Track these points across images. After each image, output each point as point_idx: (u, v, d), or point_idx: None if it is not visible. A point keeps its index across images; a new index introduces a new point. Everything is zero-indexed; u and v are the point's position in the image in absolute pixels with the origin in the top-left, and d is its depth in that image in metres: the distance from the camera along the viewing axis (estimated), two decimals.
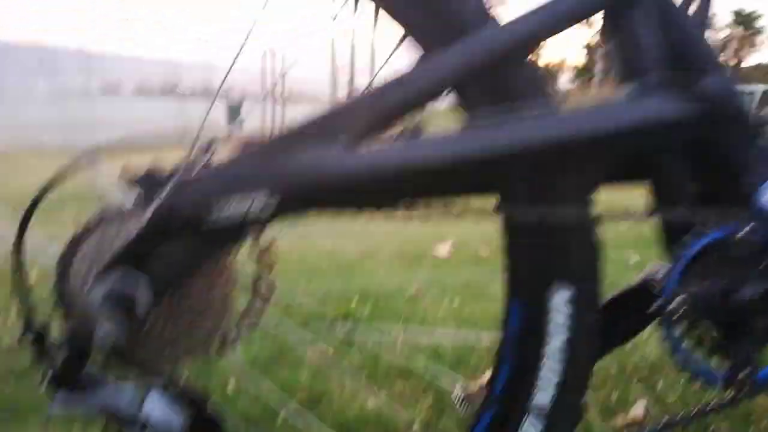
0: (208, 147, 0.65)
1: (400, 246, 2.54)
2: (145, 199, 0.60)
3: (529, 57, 0.61)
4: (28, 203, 0.54)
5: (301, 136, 0.53)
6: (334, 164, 0.51)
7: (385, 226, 2.86)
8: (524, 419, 0.66)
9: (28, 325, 0.53)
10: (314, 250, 2.50)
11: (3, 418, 1.24)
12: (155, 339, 0.58)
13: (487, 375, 0.93)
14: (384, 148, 0.53)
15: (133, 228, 0.55)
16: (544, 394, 0.65)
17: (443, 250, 2.44)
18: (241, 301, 0.64)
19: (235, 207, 0.51)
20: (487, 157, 0.55)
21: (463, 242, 2.58)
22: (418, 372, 1.40)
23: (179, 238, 0.52)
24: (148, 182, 0.63)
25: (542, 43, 0.59)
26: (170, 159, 0.68)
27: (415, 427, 1.18)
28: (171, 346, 0.59)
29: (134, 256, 0.52)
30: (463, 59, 0.57)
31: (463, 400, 0.89)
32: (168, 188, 0.50)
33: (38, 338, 0.53)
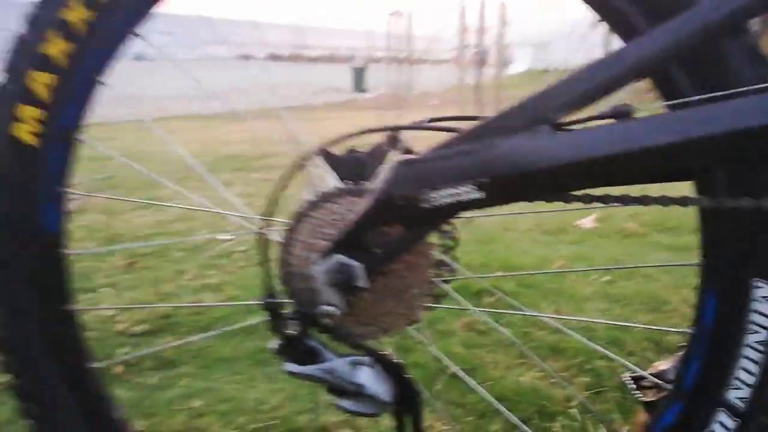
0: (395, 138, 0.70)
1: (540, 217, 2.50)
2: (349, 179, 0.66)
3: (743, 31, 0.58)
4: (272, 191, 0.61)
5: (508, 121, 0.55)
6: (539, 149, 0.53)
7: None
8: (714, 416, 0.65)
9: (268, 297, 0.62)
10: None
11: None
12: (364, 315, 0.65)
13: (661, 363, 0.92)
14: (591, 132, 0.53)
15: (352, 212, 0.61)
16: (739, 391, 0.63)
17: (587, 222, 2.36)
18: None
19: (446, 193, 0.54)
20: (696, 142, 0.53)
21: (607, 215, 2.48)
22: (570, 350, 1.40)
23: (394, 222, 0.57)
24: (351, 162, 0.69)
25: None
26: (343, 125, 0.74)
27: (573, 405, 1.18)
28: (377, 322, 0.65)
29: (354, 238, 0.58)
30: (673, 38, 0.54)
31: (636, 385, 0.88)
32: (386, 176, 0.55)
33: (273, 310, 0.62)
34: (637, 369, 0.88)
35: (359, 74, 16.24)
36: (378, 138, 0.71)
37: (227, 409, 1.23)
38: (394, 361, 0.65)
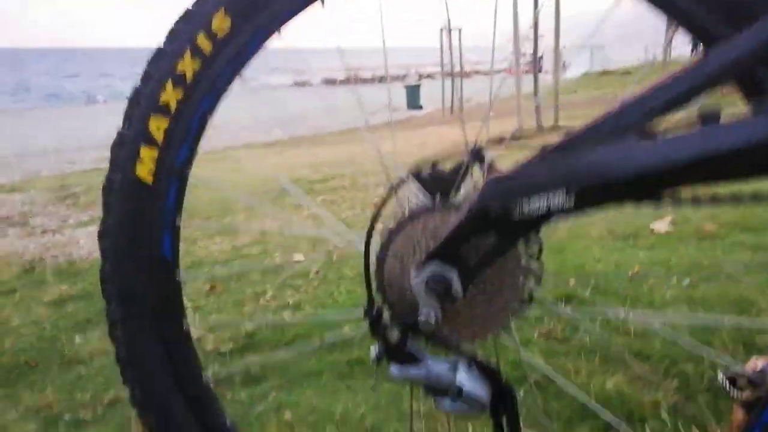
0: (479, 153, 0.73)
1: (612, 223, 2.46)
2: (436, 194, 0.70)
3: None
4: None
5: (596, 132, 0.58)
6: (627, 157, 0.55)
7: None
8: None
9: (369, 306, 0.67)
10: None
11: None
12: (458, 320, 0.68)
13: (759, 361, 0.90)
14: (676, 138, 0.55)
15: (446, 223, 0.65)
16: None
17: (662, 225, 2.30)
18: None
19: (537, 203, 0.57)
20: None
21: (683, 217, 2.41)
22: (655, 355, 1.37)
23: (488, 233, 0.61)
24: (437, 179, 0.73)
25: None
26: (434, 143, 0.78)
27: (663, 409, 1.17)
28: (470, 327, 0.69)
29: (449, 248, 0.62)
30: (758, 40, 0.56)
31: (729, 384, 0.87)
32: (481, 191, 0.59)
33: (376, 317, 0.66)
34: (730, 366, 0.87)
35: (413, 91, 16.42)
36: (461, 154, 0.76)
37: (316, 420, 1.28)
38: (490, 364, 0.68)
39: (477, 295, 0.68)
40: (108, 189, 0.78)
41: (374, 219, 0.66)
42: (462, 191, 0.73)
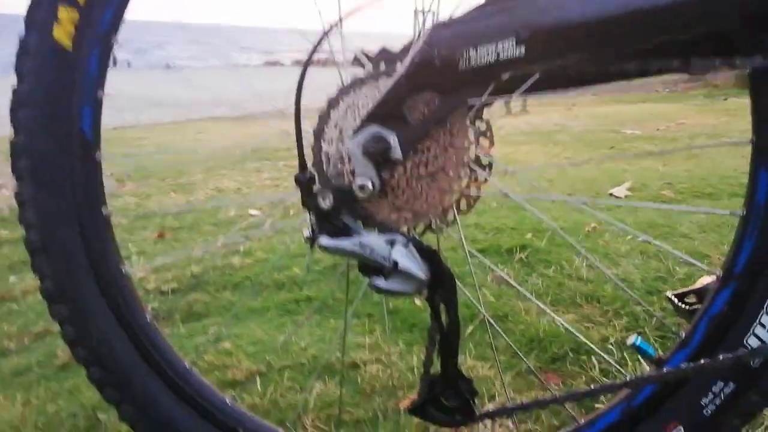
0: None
1: (571, 188, 2.45)
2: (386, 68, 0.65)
3: None
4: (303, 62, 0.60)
5: None
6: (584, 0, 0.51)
7: (551, 169, 2.77)
8: None
9: (301, 171, 0.60)
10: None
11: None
12: (398, 199, 0.63)
13: (706, 278, 0.88)
14: None
15: (384, 87, 0.59)
16: None
17: (620, 190, 2.30)
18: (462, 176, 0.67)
19: (485, 51, 0.52)
20: None
21: (641, 184, 2.42)
22: (606, 298, 1.36)
23: (431, 88, 0.55)
24: (385, 55, 0.68)
25: None
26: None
27: (611, 341, 1.15)
28: (410, 206, 0.63)
29: (389, 107, 0.57)
30: None
31: (678, 300, 0.84)
32: (425, 37, 0.53)
33: (307, 182, 0.60)
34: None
35: None
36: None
37: (256, 350, 1.23)
38: (429, 245, 0.63)
39: (419, 169, 0.63)
40: (22, 54, 0.70)
41: (303, 74, 0.59)
42: None
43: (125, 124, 7.09)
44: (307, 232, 0.64)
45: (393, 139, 0.58)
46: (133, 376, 0.74)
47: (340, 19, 0.62)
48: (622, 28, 0.51)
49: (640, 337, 0.66)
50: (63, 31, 0.69)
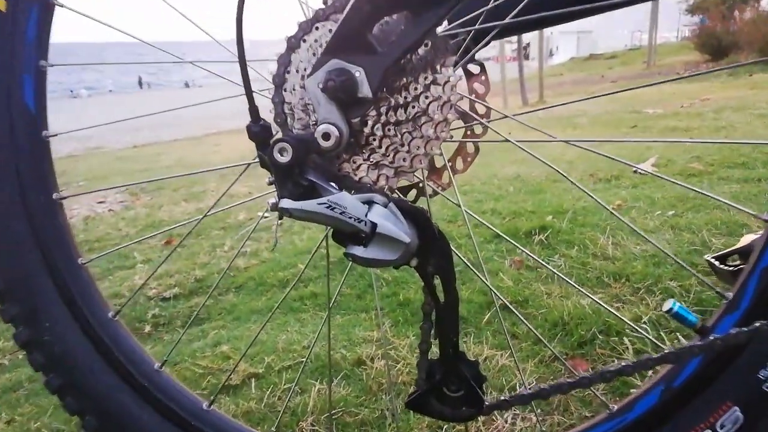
0: None
1: (593, 167, 2.31)
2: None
3: None
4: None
5: None
6: None
7: (571, 150, 2.62)
8: None
9: (254, 120, 0.51)
10: (498, 176, 2.37)
11: None
12: (375, 150, 0.53)
13: (749, 236, 0.76)
14: None
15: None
16: None
17: (646, 166, 2.16)
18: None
19: None
20: None
21: (668, 159, 2.27)
22: (636, 275, 1.23)
23: (398, 7, 0.45)
24: None
25: None
26: None
27: (644, 320, 1.03)
28: (390, 162, 0.53)
29: (349, 39, 0.46)
30: None
31: (719, 262, 0.73)
32: None
33: (261, 133, 0.50)
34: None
35: None
36: None
37: (256, 351, 1.13)
38: (414, 205, 0.53)
39: (395, 114, 0.52)
40: None
41: (239, 15, 0.49)
42: None
43: (145, 142, 7.16)
44: (272, 199, 0.54)
45: (359, 73, 0.48)
46: (93, 380, 0.65)
47: None
48: None
49: (677, 303, 0.55)
50: None
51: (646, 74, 9.69)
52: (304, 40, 0.54)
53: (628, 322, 0.68)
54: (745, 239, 0.75)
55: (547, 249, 1.47)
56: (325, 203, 0.49)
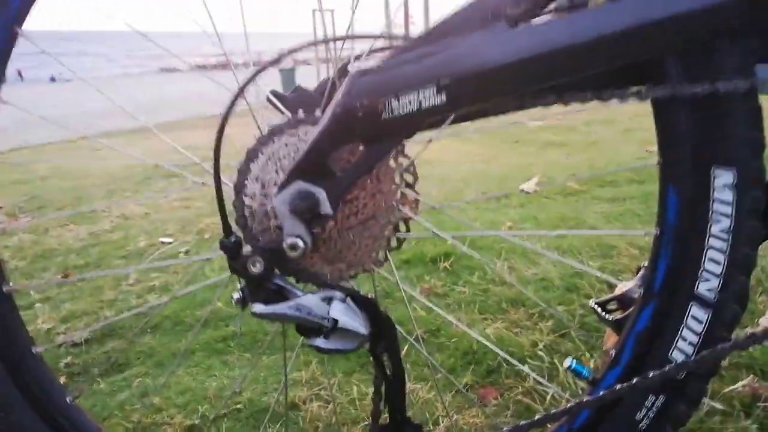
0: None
1: (484, 186, 2.52)
2: (302, 114, 0.63)
3: None
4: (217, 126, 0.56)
5: (462, 21, 0.53)
6: (498, 46, 0.51)
7: (464, 166, 2.84)
8: (689, 309, 0.65)
9: (226, 235, 0.57)
10: None
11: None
12: (329, 251, 0.61)
13: (624, 285, 0.92)
14: (548, 24, 0.52)
15: (307, 138, 0.57)
16: (707, 283, 0.64)
17: (530, 185, 2.40)
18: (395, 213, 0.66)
19: (407, 100, 0.51)
20: (649, 28, 0.53)
21: (549, 177, 2.53)
22: (529, 301, 1.41)
23: (354, 139, 0.54)
24: (301, 98, 0.66)
25: None
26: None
27: (540, 347, 1.19)
28: (343, 258, 0.62)
29: (313, 162, 0.54)
30: None
31: (600, 309, 0.88)
32: (345, 88, 0.52)
33: (234, 247, 0.57)
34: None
35: (288, 76, 16.03)
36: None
37: (187, 401, 1.16)
38: (365, 295, 0.61)
39: (349, 220, 0.61)
40: None
41: (220, 131, 0.56)
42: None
43: (11, 147, 6.51)
44: (236, 295, 0.61)
45: (321, 195, 0.56)
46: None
47: (257, 71, 0.59)
48: (539, 68, 0.52)
49: (574, 360, 0.69)
50: None
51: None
52: (262, 153, 0.61)
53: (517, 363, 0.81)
54: (621, 287, 0.91)
55: (452, 275, 1.61)
56: (293, 306, 0.57)
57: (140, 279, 1.95)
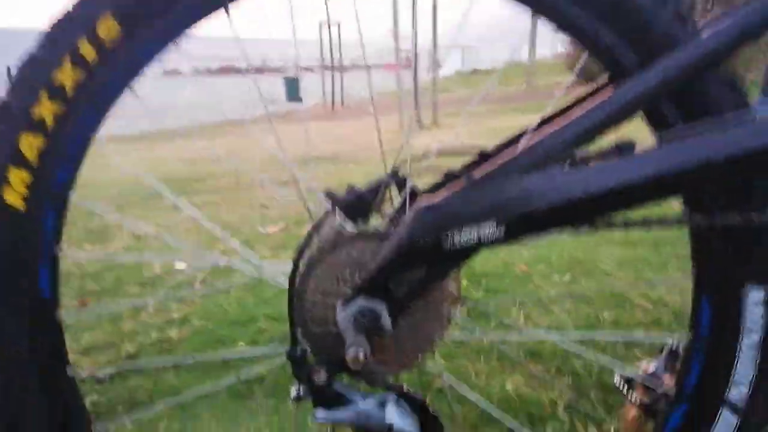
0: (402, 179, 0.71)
1: None
2: (353, 217, 0.67)
3: (723, 66, 0.62)
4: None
5: (520, 162, 0.57)
6: (552, 187, 0.55)
7: None
8: (719, 414, 0.69)
9: (293, 345, 0.61)
10: None
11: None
12: (385, 353, 0.65)
13: (649, 365, 0.96)
14: (597, 168, 0.56)
15: (369, 251, 0.62)
16: (739, 389, 0.68)
17: None
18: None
19: (468, 235, 0.56)
20: (693, 169, 0.57)
21: None
22: (546, 354, 1.44)
23: (416, 266, 0.58)
24: (355, 203, 0.70)
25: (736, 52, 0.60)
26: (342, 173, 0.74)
27: (560, 408, 1.22)
28: (397, 359, 0.66)
29: (377, 282, 0.59)
30: (662, 77, 0.59)
31: (625, 384, 0.93)
32: (409, 223, 0.56)
33: (300, 358, 0.61)
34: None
35: (292, 84, 16.14)
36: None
37: None
38: (416, 395, 0.65)
39: (403, 326, 0.65)
40: None
41: (301, 251, 0.61)
42: (383, 215, 0.70)
43: None
44: (294, 392, 0.65)
45: (383, 312, 0.60)
46: None
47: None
48: (591, 206, 0.57)
49: None
50: (14, 194, 0.65)
51: (527, 95, 10.47)
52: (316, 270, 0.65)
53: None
54: (644, 366, 0.96)
55: (470, 322, 1.65)
56: (353, 414, 0.61)
57: (158, 308, 1.99)
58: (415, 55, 8.32)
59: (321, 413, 0.61)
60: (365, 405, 0.61)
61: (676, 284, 1.75)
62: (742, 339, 0.67)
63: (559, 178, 0.57)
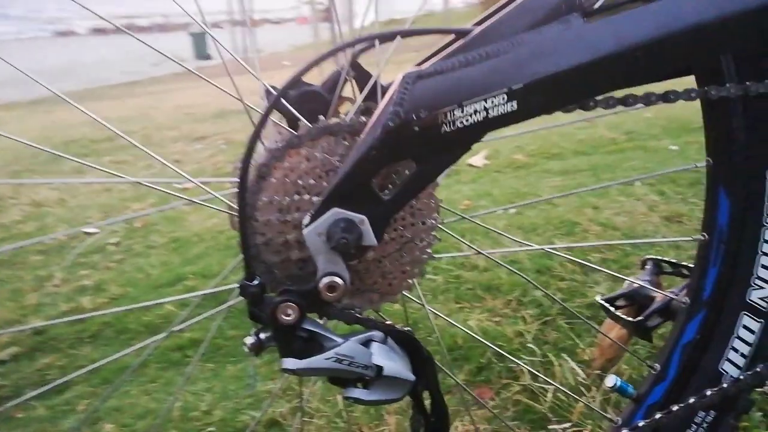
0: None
1: None
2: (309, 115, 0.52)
3: None
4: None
5: (529, 12, 0.44)
6: (581, 40, 0.42)
7: None
8: (738, 320, 0.61)
9: (248, 278, 0.46)
10: None
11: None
12: (364, 281, 0.52)
13: (627, 284, 0.88)
14: (630, 15, 0.43)
15: (332, 154, 0.47)
16: (760, 291, 0.60)
17: (478, 160, 2.36)
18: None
19: (472, 110, 0.42)
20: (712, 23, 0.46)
21: (494, 151, 2.50)
22: (504, 286, 1.36)
23: (405, 157, 0.44)
24: (309, 96, 0.55)
25: None
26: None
27: (528, 338, 1.15)
28: (377, 287, 0.52)
29: (354, 185, 0.44)
30: None
31: (610, 305, 0.84)
32: (397, 96, 0.41)
33: (258, 293, 0.46)
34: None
35: (199, 40, 15.19)
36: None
37: (147, 425, 1.03)
38: (406, 331, 0.52)
39: (387, 248, 0.52)
40: None
41: (247, 157, 0.44)
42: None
43: None
44: (250, 340, 0.50)
45: (365, 224, 0.46)
46: None
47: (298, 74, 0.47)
48: (626, 67, 0.44)
49: (618, 379, 0.63)
50: None
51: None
52: (276, 167, 0.49)
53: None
54: (627, 284, 0.88)
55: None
56: (332, 357, 0.47)
57: (66, 278, 1.74)
58: (334, 6, 7.95)
59: (290, 362, 0.47)
60: (346, 347, 0.48)
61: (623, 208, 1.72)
62: (764, 232, 0.59)
63: (584, 29, 0.44)
